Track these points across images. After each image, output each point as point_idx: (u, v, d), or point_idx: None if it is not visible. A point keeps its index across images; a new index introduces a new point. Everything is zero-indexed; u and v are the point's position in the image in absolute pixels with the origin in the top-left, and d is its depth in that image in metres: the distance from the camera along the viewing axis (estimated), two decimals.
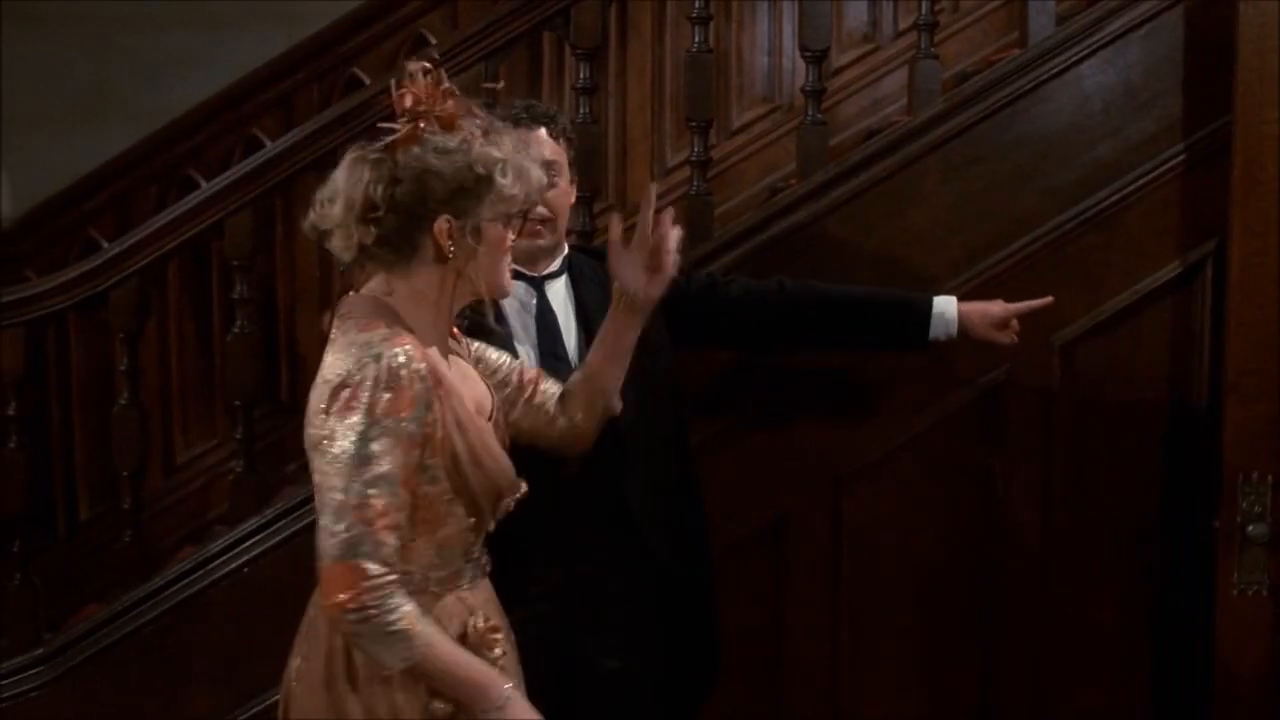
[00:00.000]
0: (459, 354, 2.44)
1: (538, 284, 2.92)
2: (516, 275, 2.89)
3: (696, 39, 3.48)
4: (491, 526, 2.38)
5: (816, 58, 3.47)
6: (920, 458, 3.42)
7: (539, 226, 2.86)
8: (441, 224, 2.23)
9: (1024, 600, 3.45)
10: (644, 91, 4.55)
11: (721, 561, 3.15)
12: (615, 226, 2.53)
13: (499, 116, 2.87)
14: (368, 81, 4.21)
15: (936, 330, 3.08)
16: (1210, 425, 3.30)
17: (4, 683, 3.34)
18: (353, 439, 2.13)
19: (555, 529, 2.83)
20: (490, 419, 2.38)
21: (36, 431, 3.65)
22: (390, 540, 2.15)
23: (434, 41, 4.28)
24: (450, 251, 2.24)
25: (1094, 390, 3.42)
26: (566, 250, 2.98)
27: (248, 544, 3.35)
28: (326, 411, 2.17)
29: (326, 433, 2.16)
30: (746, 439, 3.36)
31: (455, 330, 2.46)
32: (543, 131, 2.87)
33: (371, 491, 2.13)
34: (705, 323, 3.08)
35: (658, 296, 2.56)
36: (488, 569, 2.42)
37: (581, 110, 3.45)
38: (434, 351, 2.27)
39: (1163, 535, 3.44)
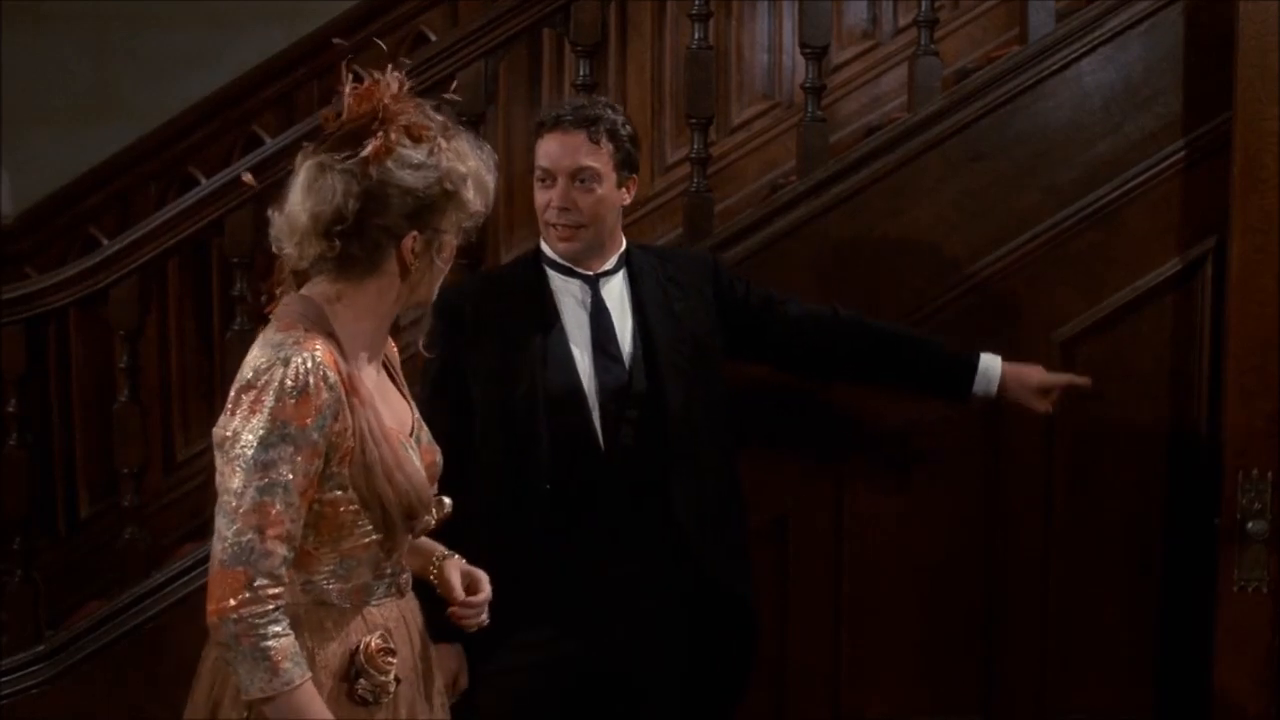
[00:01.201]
0: (392, 365, 2.38)
1: (592, 282, 2.90)
2: (570, 273, 2.89)
3: (696, 36, 3.47)
4: (405, 546, 2.30)
5: (816, 54, 3.46)
6: (923, 454, 3.42)
7: (570, 230, 2.84)
8: (409, 241, 2.18)
9: (1025, 598, 3.45)
10: (644, 89, 4.54)
11: None
12: (455, 570, 2.41)
13: (548, 117, 2.86)
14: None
15: (978, 387, 3.08)
16: (1210, 422, 3.30)
17: (5, 679, 3.34)
18: (253, 443, 2.07)
19: (598, 528, 2.83)
20: (412, 434, 2.31)
21: (37, 429, 3.64)
22: (279, 550, 2.08)
23: (434, 39, 4.28)
24: (414, 266, 2.20)
25: (1094, 387, 3.41)
26: (624, 248, 2.95)
27: None
28: (231, 411, 2.10)
29: (229, 433, 2.10)
30: (749, 438, 3.36)
31: (391, 343, 2.39)
32: (582, 136, 2.82)
33: (266, 498, 2.06)
34: (756, 336, 3.06)
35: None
36: (406, 587, 2.34)
37: None
38: (360, 359, 2.22)
39: (1163, 532, 3.44)
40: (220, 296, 4.34)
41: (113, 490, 3.75)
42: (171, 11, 4.70)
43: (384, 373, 2.34)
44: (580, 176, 2.82)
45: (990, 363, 3.08)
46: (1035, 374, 3.11)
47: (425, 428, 2.37)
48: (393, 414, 2.29)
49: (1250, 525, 3.01)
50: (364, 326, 2.23)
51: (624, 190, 2.89)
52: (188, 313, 4.47)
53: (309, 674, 2.12)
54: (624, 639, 2.85)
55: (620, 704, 2.90)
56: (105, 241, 3.89)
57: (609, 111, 2.88)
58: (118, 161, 4.55)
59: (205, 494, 4.32)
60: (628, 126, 2.90)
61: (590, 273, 2.90)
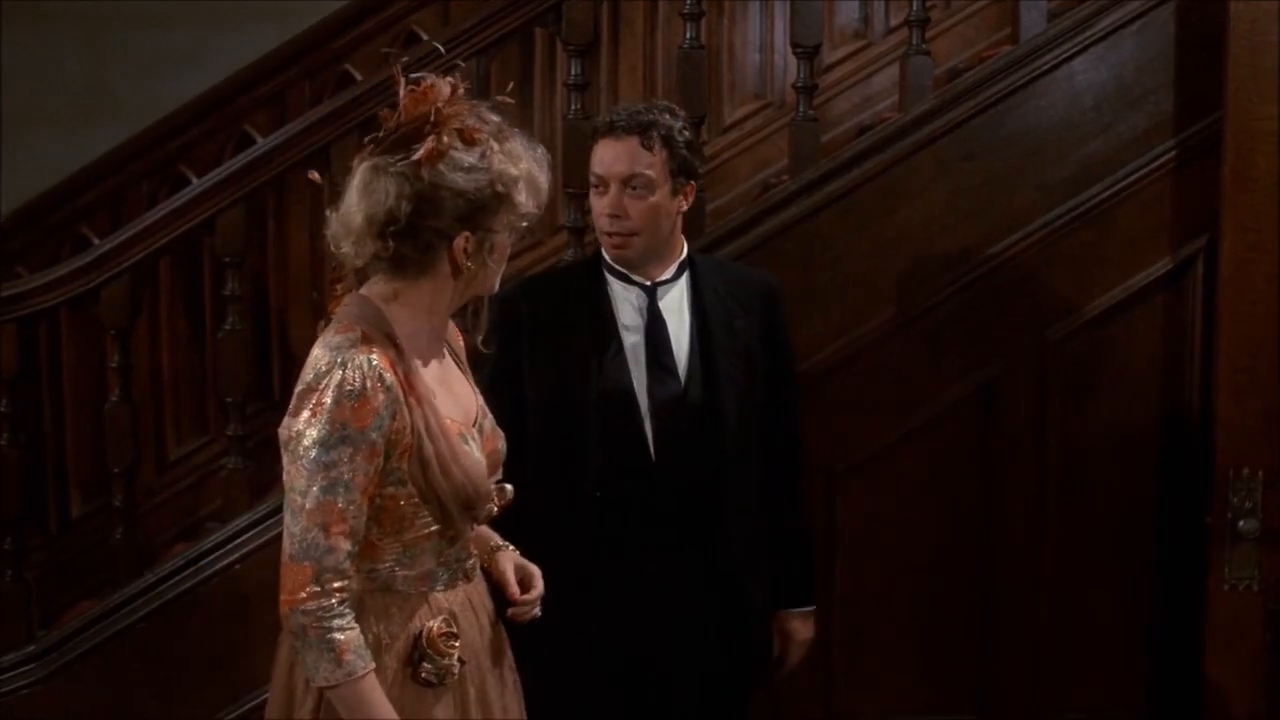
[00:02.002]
0: (456, 353, 2.42)
1: (650, 291, 2.85)
2: (627, 280, 2.85)
3: (688, 35, 3.48)
4: (468, 534, 2.35)
5: (808, 54, 3.47)
6: (915, 454, 3.43)
7: (622, 238, 2.80)
8: (460, 241, 2.22)
9: (1019, 598, 3.46)
10: (636, 88, 4.54)
11: None
12: (509, 563, 2.48)
13: (601, 123, 2.83)
14: (359, 78, 4.20)
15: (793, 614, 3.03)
16: (1202, 421, 3.31)
17: None
18: (315, 444, 2.15)
19: (643, 535, 2.82)
20: (475, 424, 2.35)
21: (29, 428, 3.64)
22: (344, 546, 2.17)
23: (425, 38, 4.27)
24: (466, 266, 2.24)
25: (1087, 386, 3.42)
26: (684, 255, 2.89)
27: (240, 541, 3.35)
28: (294, 413, 2.18)
29: (293, 434, 2.18)
30: None
31: (457, 332, 2.43)
32: (634, 142, 2.77)
33: (329, 497, 2.15)
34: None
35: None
36: (474, 571, 2.40)
37: (573, 107, 3.45)
38: (414, 359, 2.26)
39: (1155, 531, 3.45)
40: (212, 296, 4.33)
41: (104, 490, 3.74)
42: (167, 10, 4.69)
43: (448, 359, 2.38)
44: (632, 183, 2.77)
45: (809, 611, 3.04)
46: (796, 648, 3.05)
47: (489, 414, 2.42)
48: (455, 403, 2.33)
49: (1241, 524, 3.01)
50: (420, 324, 2.29)
51: (680, 198, 2.83)
52: (179, 312, 4.46)
53: (372, 665, 2.20)
54: (656, 647, 2.84)
55: (644, 696, 2.89)
56: (97, 240, 3.89)
57: (665, 116, 2.81)
58: (109, 160, 4.54)
59: (197, 493, 4.33)
60: (685, 132, 2.83)
61: (648, 282, 2.85)
